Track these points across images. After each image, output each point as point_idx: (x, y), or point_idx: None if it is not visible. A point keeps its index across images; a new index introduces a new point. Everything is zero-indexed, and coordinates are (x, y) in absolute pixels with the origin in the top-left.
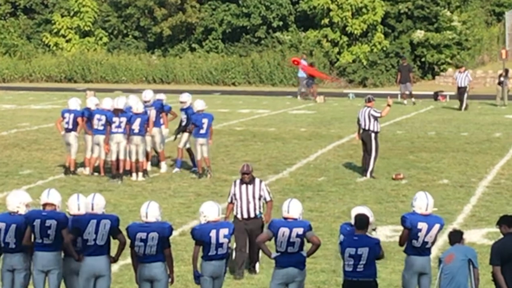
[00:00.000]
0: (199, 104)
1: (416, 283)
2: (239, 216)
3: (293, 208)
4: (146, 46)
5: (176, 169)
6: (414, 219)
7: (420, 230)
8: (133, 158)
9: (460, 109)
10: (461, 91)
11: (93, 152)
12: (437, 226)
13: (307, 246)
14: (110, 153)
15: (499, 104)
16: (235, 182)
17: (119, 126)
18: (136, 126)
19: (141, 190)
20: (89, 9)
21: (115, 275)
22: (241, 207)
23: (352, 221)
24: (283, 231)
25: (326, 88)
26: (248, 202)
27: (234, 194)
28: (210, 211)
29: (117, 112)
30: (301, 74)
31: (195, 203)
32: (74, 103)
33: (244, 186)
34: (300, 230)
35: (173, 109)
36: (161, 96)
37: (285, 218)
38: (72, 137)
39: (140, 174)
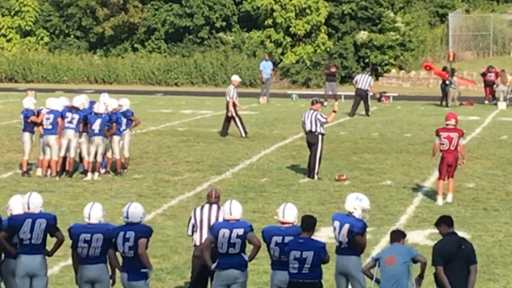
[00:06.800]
0: (114, 102)
1: (344, 285)
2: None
3: (235, 209)
4: (88, 46)
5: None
6: (333, 218)
7: (335, 228)
8: (91, 159)
9: None
10: None
11: (45, 154)
12: (346, 226)
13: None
14: (60, 148)
15: (451, 105)
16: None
17: (70, 122)
18: (96, 126)
19: (82, 191)
20: (30, 8)
21: (55, 276)
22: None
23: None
24: (223, 232)
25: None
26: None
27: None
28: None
29: (72, 109)
30: (266, 74)
31: None
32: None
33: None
34: (240, 231)
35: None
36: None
37: (227, 220)
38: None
39: (96, 174)
